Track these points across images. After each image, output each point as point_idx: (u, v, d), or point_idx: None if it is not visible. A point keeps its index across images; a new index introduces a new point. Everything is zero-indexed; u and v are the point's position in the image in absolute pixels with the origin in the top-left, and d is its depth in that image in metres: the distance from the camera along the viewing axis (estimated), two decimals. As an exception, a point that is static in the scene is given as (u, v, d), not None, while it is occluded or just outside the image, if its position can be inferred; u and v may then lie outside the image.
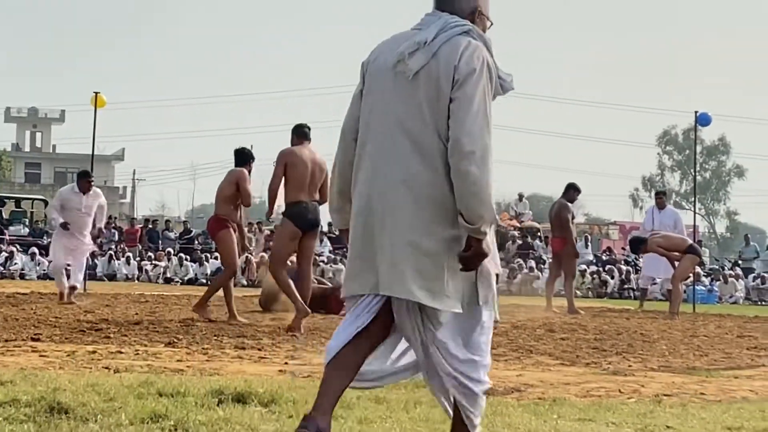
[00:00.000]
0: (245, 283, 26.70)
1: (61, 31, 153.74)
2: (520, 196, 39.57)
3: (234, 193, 12.57)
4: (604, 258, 34.20)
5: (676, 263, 17.22)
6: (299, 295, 11.18)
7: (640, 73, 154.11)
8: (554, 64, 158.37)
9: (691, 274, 19.86)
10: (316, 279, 16.68)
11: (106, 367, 7.20)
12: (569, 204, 17.88)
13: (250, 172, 12.82)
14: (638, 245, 17.76)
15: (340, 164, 4.44)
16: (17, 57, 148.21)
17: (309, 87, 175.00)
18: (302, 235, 11.40)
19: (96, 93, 20.68)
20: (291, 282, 11.36)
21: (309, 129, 11.74)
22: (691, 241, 17.68)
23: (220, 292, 12.62)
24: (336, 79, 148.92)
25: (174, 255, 30.17)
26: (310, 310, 11.23)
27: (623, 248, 35.17)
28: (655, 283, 22.74)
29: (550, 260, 21.42)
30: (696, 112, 21.96)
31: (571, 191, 18.01)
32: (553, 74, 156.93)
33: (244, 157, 12.87)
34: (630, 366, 8.70)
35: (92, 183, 15.73)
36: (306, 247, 11.60)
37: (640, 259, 31.55)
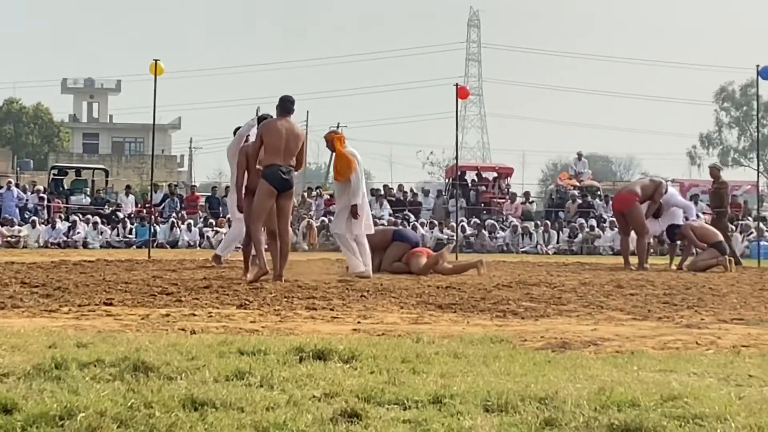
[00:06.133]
0: (306, 248, 26.77)
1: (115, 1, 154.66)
2: (579, 156, 39.30)
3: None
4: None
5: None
6: (277, 252, 12.29)
7: (697, 29, 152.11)
8: (609, 24, 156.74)
9: (754, 232, 19.85)
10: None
11: (182, 329, 7.24)
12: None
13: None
14: (674, 230, 18.30)
15: None
16: (73, 28, 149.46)
17: (366, 51, 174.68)
18: (277, 195, 12.19)
19: (156, 60, 20.73)
20: (262, 240, 12.37)
21: (292, 102, 12.50)
22: (721, 238, 17.93)
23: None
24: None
25: (234, 221, 30.24)
26: (269, 270, 12.15)
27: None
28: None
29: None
30: (758, 65, 21.65)
31: None
32: (609, 34, 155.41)
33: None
34: (703, 319, 8.63)
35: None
36: (282, 207, 12.33)
37: (700, 216, 31.36)
